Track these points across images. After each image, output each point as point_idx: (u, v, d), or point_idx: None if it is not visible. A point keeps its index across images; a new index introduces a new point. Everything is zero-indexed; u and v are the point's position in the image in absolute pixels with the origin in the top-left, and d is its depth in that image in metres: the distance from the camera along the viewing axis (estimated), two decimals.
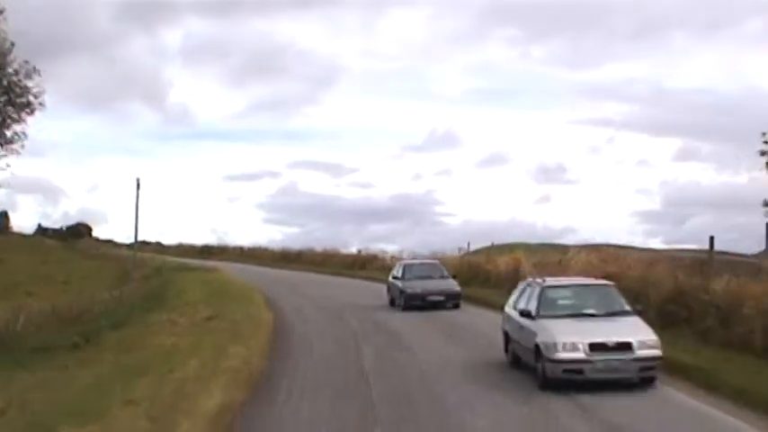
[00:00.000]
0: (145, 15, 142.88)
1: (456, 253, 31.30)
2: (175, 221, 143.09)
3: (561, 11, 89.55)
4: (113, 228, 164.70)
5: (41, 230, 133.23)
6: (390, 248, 41.81)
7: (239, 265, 43.96)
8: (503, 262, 23.78)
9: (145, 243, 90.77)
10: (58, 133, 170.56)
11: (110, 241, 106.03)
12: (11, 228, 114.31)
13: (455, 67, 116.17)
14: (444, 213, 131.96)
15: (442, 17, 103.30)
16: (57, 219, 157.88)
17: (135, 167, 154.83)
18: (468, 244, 34.23)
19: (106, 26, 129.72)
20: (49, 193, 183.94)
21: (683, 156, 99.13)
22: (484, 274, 24.89)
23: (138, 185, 42.10)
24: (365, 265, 38.58)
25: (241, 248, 57.11)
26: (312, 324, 17.87)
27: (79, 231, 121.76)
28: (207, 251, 59.19)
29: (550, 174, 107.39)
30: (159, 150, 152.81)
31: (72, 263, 46.35)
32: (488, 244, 36.13)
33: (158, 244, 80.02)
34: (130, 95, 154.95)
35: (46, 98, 22.24)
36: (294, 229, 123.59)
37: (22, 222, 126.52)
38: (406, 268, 22.63)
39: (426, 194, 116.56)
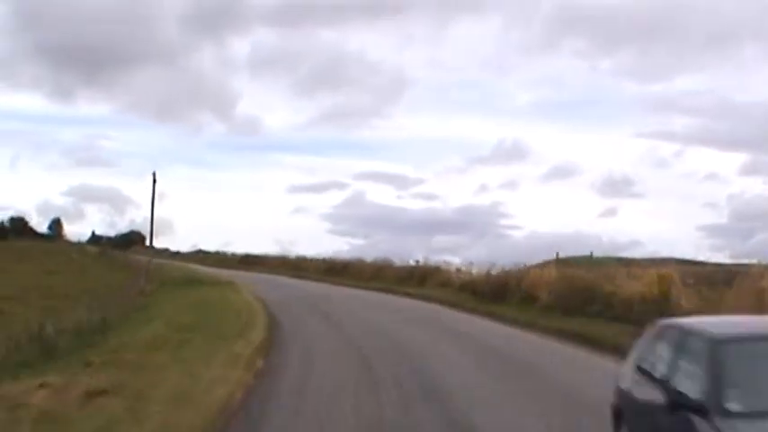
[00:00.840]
0: (214, 26, 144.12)
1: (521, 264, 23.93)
2: (242, 232, 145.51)
3: (630, 22, 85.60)
4: (178, 237, 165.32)
5: (95, 238, 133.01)
6: (455, 261, 34.09)
7: (274, 278, 36.98)
8: (638, 281, 15.35)
9: (202, 252, 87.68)
10: (128, 144, 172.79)
11: (165, 250, 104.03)
12: (63, 235, 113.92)
13: (522, 78, 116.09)
14: (510, 226, 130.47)
15: (511, 27, 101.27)
16: (122, 227, 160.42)
17: (202, 177, 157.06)
18: (557, 254, 26.54)
19: (175, 37, 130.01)
20: (118, 202, 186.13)
21: (751, 170, 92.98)
22: (598, 298, 16.55)
23: (155, 180, 36.64)
24: (425, 280, 30.75)
25: (284, 258, 50.13)
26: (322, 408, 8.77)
27: (132, 240, 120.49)
28: (246, 261, 53.46)
29: (617, 187, 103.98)
30: (227, 161, 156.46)
31: (89, 274, 40.43)
32: (553, 257, 28.86)
33: (217, 253, 76.97)
34: (199, 106, 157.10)
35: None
36: (359, 241, 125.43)
37: (86, 230, 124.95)
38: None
39: (492, 207, 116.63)
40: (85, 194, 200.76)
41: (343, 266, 39.78)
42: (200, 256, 62.87)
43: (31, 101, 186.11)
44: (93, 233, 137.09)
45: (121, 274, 43.46)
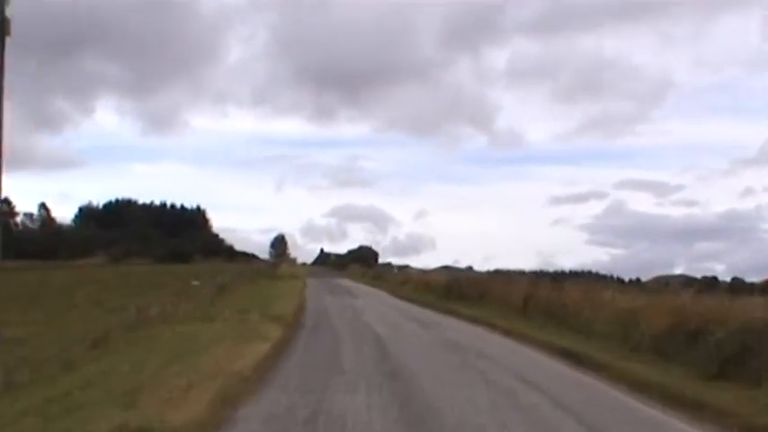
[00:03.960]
0: (471, 39, 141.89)
1: None
2: (502, 246, 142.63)
3: None
4: (439, 252, 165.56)
5: (322, 256, 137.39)
6: (718, 268, 24.93)
7: (383, 301, 30.78)
8: None
9: (449, 268, 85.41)
10: (386, 163, 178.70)
11: (405, 267, 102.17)
12: (288, 254, 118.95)
13: None
14: None
15: None
16: (386, 245, 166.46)
17: (461, 193, 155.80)
18: None
19: (432, 52, 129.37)
20: (379, 220, 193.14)
21: None
22: None
23: None
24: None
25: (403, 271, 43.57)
26: None
27: (362, 256, 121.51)
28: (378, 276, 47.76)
29: None
30: (485, 175, 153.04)
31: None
32: None
33: (469, 268, 76.68)
34: (458, 120, 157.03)
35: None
36: (619, 251, 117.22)
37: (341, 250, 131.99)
38: None
39: (756, 210, 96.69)
40: (347, 214, 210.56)
41: (458, 288, 30.17)
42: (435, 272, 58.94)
43: (292, 125, 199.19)
44: (322, 250, 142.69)
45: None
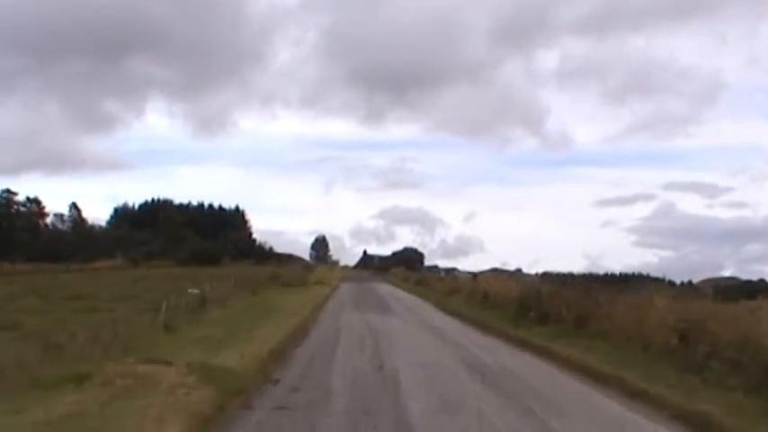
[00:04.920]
0: (521, 40, 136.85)
1: None
2: (550, 248, 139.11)
3: None
4: (488, 255, 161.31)
5: (366, 258, 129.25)
6: None
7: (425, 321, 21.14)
8: None
9: (497, 270, 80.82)
10: (435, 165, 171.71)
11: (452, 270, 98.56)
12: (329, 256, 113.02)
13: None
14: None
15: None
16: (434, 247, 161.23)
17: (509, 195, 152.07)
18: None
19: (482, 53, 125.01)
20: (426, 222, 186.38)
21: None
22: None
23: None
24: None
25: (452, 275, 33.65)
26: None
27: (408, 258, 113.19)
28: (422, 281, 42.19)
29: None
30: (533, 177, 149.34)
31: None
32: None
33: (518, 271, 73.70)
34: (507, 122, 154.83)
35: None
36: (668, 252, 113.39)
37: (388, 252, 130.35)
38: None
39: None
40: (395, 216, 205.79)
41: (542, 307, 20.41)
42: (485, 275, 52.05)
43: (341, 126, 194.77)
44: (365, 252, 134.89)
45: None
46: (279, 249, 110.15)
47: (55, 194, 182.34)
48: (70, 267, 55.78)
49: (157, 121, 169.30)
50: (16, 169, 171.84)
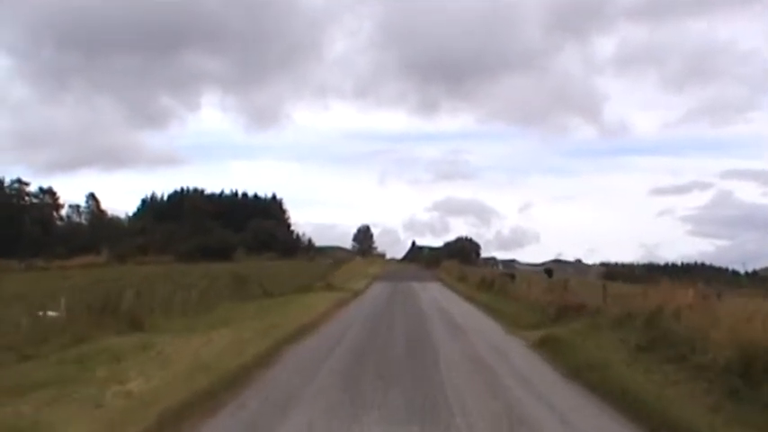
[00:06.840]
0: (577, 26, 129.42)
1: None
2: (605, 239, 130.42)
3: None
4: (543, 247, 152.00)
5: (415, 249, 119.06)
6: None
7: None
8: None
9: (558, 262, 76.49)
10: (488, 156, 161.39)
11: (512, 261, 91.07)
12: (373, 248, 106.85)
13: None
14: None
15: None
16: (489, 239, 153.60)
17: (564, 185, 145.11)
18: None
19: (537, 41, 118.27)
20: (482, 213, 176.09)
21: None
22: None
23: None
24: None
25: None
26: None
27: (462, 249, 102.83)
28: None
29: None
30: (588, 166, 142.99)
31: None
32: None
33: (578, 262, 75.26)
34: (564, 110, 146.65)
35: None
36: (724, 242, 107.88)
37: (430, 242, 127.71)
38: None
39: None
40: (449, 208, 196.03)
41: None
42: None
43: (395, 118, 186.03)
44: (413, 243, 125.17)
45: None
46: (328, 243, 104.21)
47: (110, 191, 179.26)
48: (33, 264, 48.09)
49: (211, 114, 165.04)
50: (72, 165, 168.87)
